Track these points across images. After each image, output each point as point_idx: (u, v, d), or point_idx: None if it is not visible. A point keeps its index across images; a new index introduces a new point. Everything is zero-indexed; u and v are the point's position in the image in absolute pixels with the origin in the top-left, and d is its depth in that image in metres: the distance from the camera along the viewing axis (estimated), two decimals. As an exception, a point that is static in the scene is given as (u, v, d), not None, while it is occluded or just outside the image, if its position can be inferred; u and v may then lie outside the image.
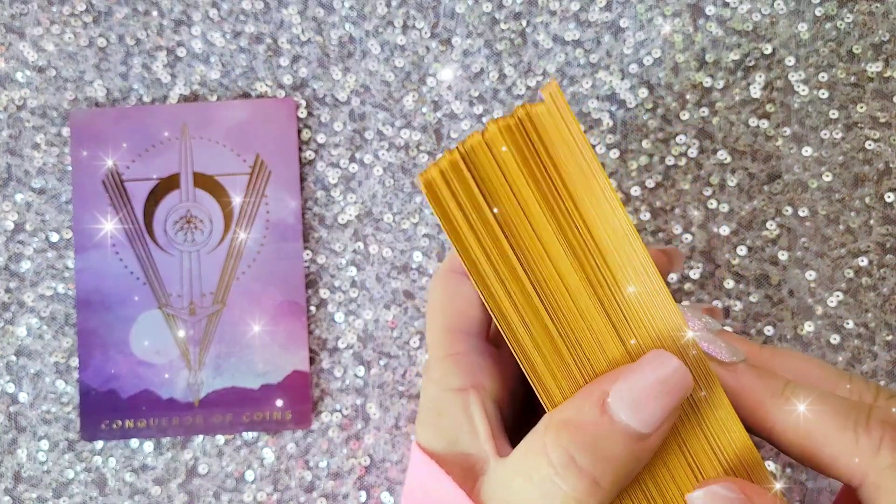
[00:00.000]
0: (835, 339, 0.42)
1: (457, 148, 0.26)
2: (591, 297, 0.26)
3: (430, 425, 0.31)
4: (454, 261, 0.33)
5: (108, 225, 0.41)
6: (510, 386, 0.33)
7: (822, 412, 0.26)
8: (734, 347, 0.28)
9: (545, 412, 0.27)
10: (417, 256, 0.42)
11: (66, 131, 0.42)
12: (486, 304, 0.26)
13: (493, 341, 0.34)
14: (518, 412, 0.34)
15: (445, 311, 0.32)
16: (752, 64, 0.42)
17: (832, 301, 0.42)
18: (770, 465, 0.40)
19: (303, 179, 0.42)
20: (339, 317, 0.42)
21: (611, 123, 0.42)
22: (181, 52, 0.42)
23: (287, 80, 0.42)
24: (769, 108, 0.42)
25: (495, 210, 0.26)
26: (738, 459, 0.27)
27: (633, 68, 0.43)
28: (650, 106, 0.43)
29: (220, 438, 0.41)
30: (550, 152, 0.26)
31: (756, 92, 0.42)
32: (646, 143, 0.42)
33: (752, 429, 0.28)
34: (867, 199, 0.42)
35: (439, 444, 0.30)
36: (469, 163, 0.26)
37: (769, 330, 0.42)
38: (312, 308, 0.42)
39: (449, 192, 0.26)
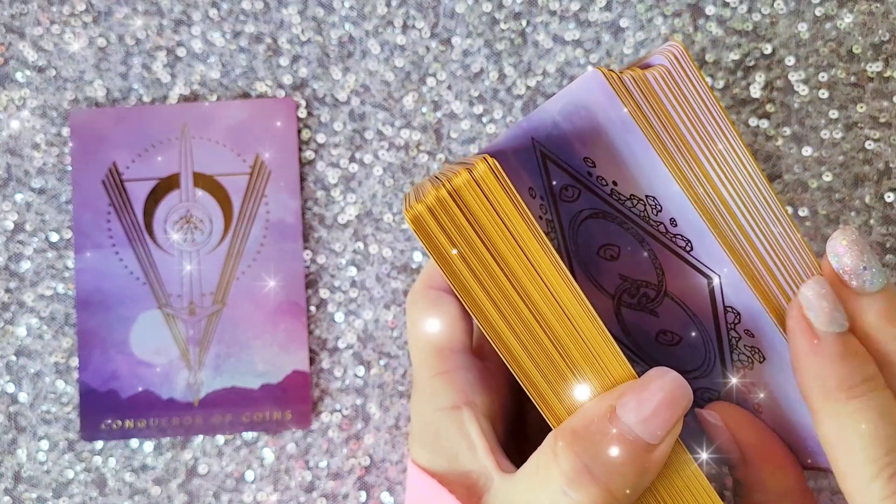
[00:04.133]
0: (835, 339, 0.42)
1: (444, 185, 0.25)
2: (592, 319, 0.26)
3: (429, 445, 0.31)
4: (429, 276, 0.33)
5: (108, 225, 0.41)
6: (500, 399, 0.33)
7: (862, 441, 0.25)
8: (839, 313, 0.27)
9: (540, 426, 0.27)
10: (417, 256, 0.42)
11: (66, 131, 0.42)
12: (483, 331, 0.26)
13: (477, 353, 0.33)
14: (509, 425, 0.34)
15: (429, 329, 0.32)
16: (752, 64, 0.42)
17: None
18: None
19: (303, 179, 0.42)
20: (339, 317, 0.42)
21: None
22: (181, 52, 0.42)
23: (287, 80, 0.42)
24: (769, 107, 0.42)
25: (485, 240, 0.25)
26: None
27: (633, 68, 0.43)
28: (650, 106, 0.43)
29: (220, 438, 0.41)
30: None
31: (756, 92, 0.42)
32: (646, 143, 0.42)
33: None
34: (867, 199, 0.42)
35: (440, 464, 0.30)
36: (457, 198, 0.25)
37: (769, 330, 0.42)
38: (312, 308, 0.42)
39: (437, 225, 0.25)
